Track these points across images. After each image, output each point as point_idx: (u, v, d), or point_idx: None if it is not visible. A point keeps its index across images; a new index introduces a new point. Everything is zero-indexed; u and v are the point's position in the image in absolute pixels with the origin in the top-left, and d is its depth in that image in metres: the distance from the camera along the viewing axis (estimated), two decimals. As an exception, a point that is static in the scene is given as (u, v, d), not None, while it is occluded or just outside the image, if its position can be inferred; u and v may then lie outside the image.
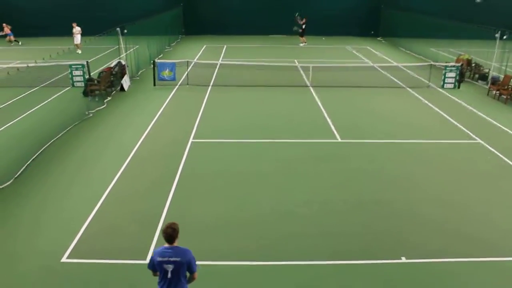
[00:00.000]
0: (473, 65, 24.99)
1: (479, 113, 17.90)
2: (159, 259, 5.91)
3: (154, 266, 6.00)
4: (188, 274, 6.08)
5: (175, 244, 6.00)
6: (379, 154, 13.63)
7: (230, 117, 16.99)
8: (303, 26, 35.11)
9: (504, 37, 21.79)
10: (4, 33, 33.07)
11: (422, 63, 25.56)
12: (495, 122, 16.67)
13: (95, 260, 8.30)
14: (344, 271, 8.20)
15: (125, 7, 37.02)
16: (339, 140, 14.67)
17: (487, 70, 23.55)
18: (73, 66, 20.91)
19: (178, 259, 5.92)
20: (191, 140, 14.35)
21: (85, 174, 11.96)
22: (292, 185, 11.50)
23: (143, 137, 14.57)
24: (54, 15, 37.08)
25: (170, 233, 5.95)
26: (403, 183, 11.65)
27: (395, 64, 26.82)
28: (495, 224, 9.82)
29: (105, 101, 18.62)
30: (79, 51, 29.83)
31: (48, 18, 37.14)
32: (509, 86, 20.23)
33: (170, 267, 5.91)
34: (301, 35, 35.65)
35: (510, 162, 13.01)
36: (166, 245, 5.97)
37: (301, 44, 35.53)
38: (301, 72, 24.47)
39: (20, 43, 33.80)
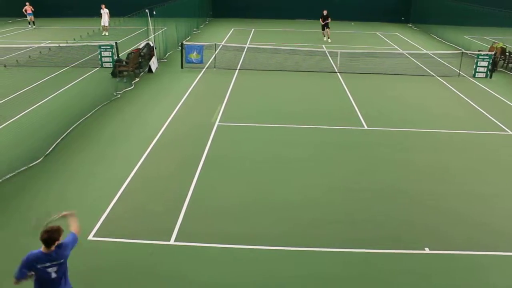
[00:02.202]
0: (507, 54, 24.26)
1: (511, 104, 17.44)
2: (39, 266, 5.39)
3: (28, 270, 5.39)
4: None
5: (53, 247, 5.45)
6: (406, 143, 13.44)
7: (256, 101, 16.97)
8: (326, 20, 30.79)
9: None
10: (27, 12, 33.05)
11: (454, 51, 24.97)
12: (527, 114, 16.22)
13: (120, 240, 8.46)
14: (367, 259, 8.17)
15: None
16: (366, 127, 14.51)
17: (522, 60, 22.85)
18: (102, 47, 21.16)
19: (61, 260, 5.53)
20: (217, 123, 14.41)
21: (112, 154, 12.16)
22: (318, 171, 11.46)
23: (169, 119, 14.69)
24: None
25: (46, 238, 5.41)
26: (430, 173, 11.48)
27: (425, 51, 26.28)
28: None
29: (133, 82, 18.81)
30: (107, 33, 30.08)
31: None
32: (544, 77, 19.62)
33: (53, 270, 5.50)
34: (324, 27, 31.10)
35: None
36: (43, 249, 5.45)
37: (325, 39, 30.76)
38: (329, 57, 24.19)
39: (34, 27, 33.17)
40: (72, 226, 5.97)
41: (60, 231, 5.51)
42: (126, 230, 8.76)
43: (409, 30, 37.27)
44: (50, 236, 5.41)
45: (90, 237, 8.48)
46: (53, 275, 5.50)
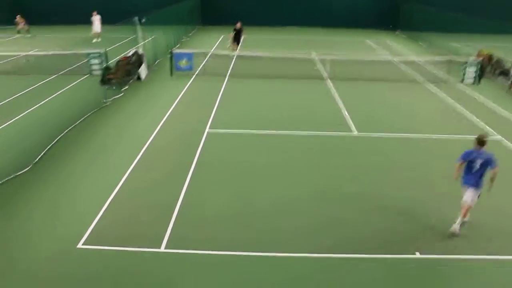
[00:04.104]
0: (494, 60, 24.52)
1: (500, 109, 17.61)
2: (473, 155, 8.89)
3: (466, 159, 8.97)
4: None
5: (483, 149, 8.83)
6: (396, 149, 13.51)
7: (246, 108, 16.98)
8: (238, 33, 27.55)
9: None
10: (20, 27, 32.85)
11: (441, 57, 25.20)
12: (515, 119, 16.39)
13: (110, 247, 8.38)
14: (357, 265, 8.16)
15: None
16: (356, 133, 14.57)
17: (508, 66, 23.10)
18: (91, 55, 21.05)
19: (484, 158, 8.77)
20: (207, 130, 14.38)
21: (102, 162, 12.07)
22: (306, 177, 11.47)
23: (159, 126, 14.64)
24: (67, 4, 37.34)
25: (480, 139, 8.93)
26: (420, 179, 11.54)
27: (413, 58, 26.49)
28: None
29: (122, 89, 18.73)
30: (99, 39, 29.99)
31: (62, 6, 37.33)
32: (531, 83, 19.86)
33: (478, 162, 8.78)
34: (233, 40, 27.59)
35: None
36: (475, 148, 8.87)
37: (232, 54, 25.90)
38: (319, 64, 24.28)
39: (30, 35, 32.91)
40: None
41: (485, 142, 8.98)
42: (116, 238, 8.68)
43: (397, 37, 37.57)
44: (482, 140, 8.92)
45: (80, 245, 8.39)
46: (477, 166, 8.82)
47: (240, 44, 27.69)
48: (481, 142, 8.90)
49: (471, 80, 21.64)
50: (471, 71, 21.68)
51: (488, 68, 24.04)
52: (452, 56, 24.17)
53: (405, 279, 7.83)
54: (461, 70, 21.89)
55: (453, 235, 8.90)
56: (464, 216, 9.00)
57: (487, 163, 8.79)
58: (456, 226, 8.93)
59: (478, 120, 16.12)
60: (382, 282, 7.74)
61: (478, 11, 34.37)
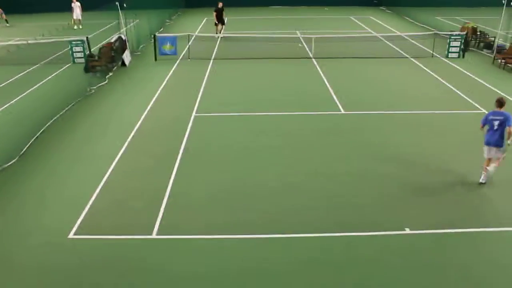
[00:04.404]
0: (478, 33, 24.60)
1: (484, 82, 17.71)
2: (491, 117, 9.82)
3: (486, 120, 9.93)
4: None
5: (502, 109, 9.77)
6: (383, 125, 13.56)
7: (232, 90, 16.89)
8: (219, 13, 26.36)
9: (511, 3, 21.38)
10: None
11: (426, 32, 25.20)
12: (500, 92, 16.47)
13: (101, 236, 8.36)
14: (349, 242, 8.24)
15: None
16: (343, 112, 14.58)
17: (492, 39, 23.20)
18: (73, 42, 20.74)
19: (501, 117, 9.62)
20: (194, 114, 14.30)
21: (89, 150, 11.97)
22: (296, 157, 11.49)
23: (145, 112, 14.53)
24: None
25: (500, 100, 9.93)
26: (408, 155, 11.61)
27: (398, 34, 26.46)
28: (503, 194, 9.81)
29: (106, 77, 18.51)
30: (80, 26, 29.54)
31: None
32: (515, 54, 19.98)
33: (496, 122, 9.68)
34: (219, 21, 26.57)
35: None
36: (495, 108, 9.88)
37: (217, 35, 25.91)
38: (304, 43, 24.16)
39: (8, 25, 32.03)
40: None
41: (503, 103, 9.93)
42: (107, 226, 8.66)
43: (382, 13, 37.45)
44: (500, 101, 9.89)
45: (71, 236, 8.36)
46: (495, 126, 9.72)
47: (224, 25, 27.25)
48: (500, 103, 9.86)
49: (456, 54, 21.70)
50: (455, 45, 21.72)
51: (473, 42, 24.15)
52: (436, 30, 24.19)
53: (396, 255, 7.92)
54: (446, 44, 21.93)
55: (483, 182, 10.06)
56: (497, 164, 10.01)
57: (505, 122, 9.56)
58: (484, 176, 10.04)
59: (463, 94, 16.21)
60: (375, 257, 7.83)
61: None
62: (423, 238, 8.35)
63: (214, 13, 26.37)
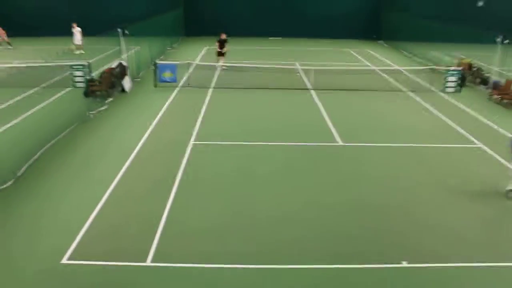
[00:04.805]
0: (474, 69, 24.95)
1: (480, 117, 17.89)
2: None
3: None
4: None
5: None
6: (380, 158, 13.61)
7: (231, 119, 16.98)
8: (224, 44, 25.81)
9: (506, 41, 21.80)
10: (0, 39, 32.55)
11: (424, 66, 25.55)
12: (496, 127, 16.65)
13: (95, 262, 8.27)
14: (345, 275, 8.18)
15: (125, 8, 36.92)
16: (340, 143, 14.65)
17: (488, 75, 23.52)
18: (74, 67, 20.89)
19: None
20: (192, 142, 14.33)
21: (86, 175, 11.94)
22: (293, 188, 11.49)
23: (144, 138, 14.55)
24: (48, 15, 37.01)
25: None
26: (404, 187, 11.63)
27: (396, 67, 26.82)
28: (495, 228, 9.80)
29: (106, 102, 18.61)
30: (82, 51, 29.83)
31: (42, 18, 36.94)
32: (511, 91, 20.23)
33: None
34: (220, 53, 25.91)
35: (510, 166, 12.97)
36: None
37: (219, 68, 25.47)
38: (302, 74, 24.42)
39: (10, 47, 32.37)
40: None
41: None
42: (101, 252, 8.57)
43: (380, 47, 38.01)
44: None
45: (64, 261, 8.27)
46: None
47: (224, 55, 27.12)
48: None
49: (453, 89, 21.96)
50: (452, 80, 22.01)
51: (469, 77, 24.47)
52: (434, 65, 24.53)
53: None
54: (443, 78, 22.22)
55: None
56: None
57: None
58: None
59: (460, 128, 16.34)
60: (369, 292, 7.77)
61: (459, 21, 34.96)
62: (421, 271, 8.29)
63: (217, 43, 25.85)
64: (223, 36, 25.73)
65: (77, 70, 20.74)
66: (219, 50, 25.82)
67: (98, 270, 8.09)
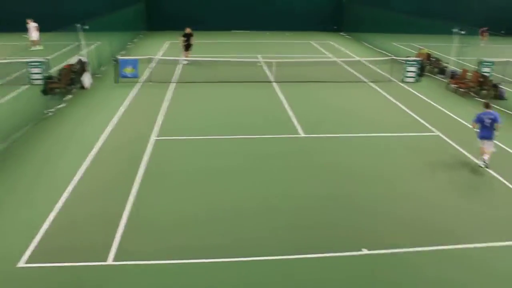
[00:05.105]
0: (432, 59, 25.59)
1: (438, 106, 18.37)
2: (483, 116, 12.08)
3: (479, 120, 12.17)
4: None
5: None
6: (342, 148, 13.81)
7: (193, 114, 16.88)
8: (189, 38, 25.48)
9: (462, 32, 22.40)
10: None
11: (384, 57, 26.01)
12: (453, 115, 17.14)
13: (54, 264, 8.09)
14: (309, 264, 8.28)
15: (83, 2, 36.07)
16: (303, 135, 14.78)
17: (446, 64, 24.15)
18: (31, 64, 20.32)
19: (492, 116, 11.99)
20: (154, 137, 14.20)
21: (46, 173, 11.67)
22: (257, 181, 11.54)
23: (105, 135, 14.32)
24: (3, 10, 35.86)
25: (487, 103, 12.62)
26: (365, 177, 11.85)
27: (357, 58, 27.19)
28: (451, 213, 10.11)
29: (65, 99, 18.19)
30: (39, 47, 29.03)
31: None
32: (466, 80, 20.84)
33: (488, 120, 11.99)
34: (186, 47, 25.62)
35: (466, 153, 13.41)
36: (484, 110, 12.26)
37: (184, 62, 25.43)
38: (265, 67, 24.48)
39: None
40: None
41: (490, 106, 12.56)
42: (61, 253, 8.40)
43: (342, 38, 38.44)
44: (488, 104, 12.52)
45: (21, 264, 8.05)
46: (488, 124, 12.03)
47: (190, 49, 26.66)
48: (487, 105, 12.48)
49: (412, 79, 22.45)
50: (411, 70, 22.50)
51: (428, 67, 25.08)
52: (393, 56, 25.00)
53: (354, 276, 8.01)
54: (403, 69, 22.69)
55: (485, 165, 12.19)
56: (487, 155, 12.16)
57: (495, 120, 11.97)
58: (483, 162, 12.17)
59: (419, 117, 16.74)
60: (332, 279, 7.89)
61: (418, 12, 35.81)
62: (380, 258, 8.49)
63: (182, 38, 25.53)
64: (188, 30, 25.45)
65: (35, 67, 20.20)
66: (185, 44, 25.53)
67: (57, 272, 7.91)
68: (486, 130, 12.12)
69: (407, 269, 8.24)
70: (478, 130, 12.30)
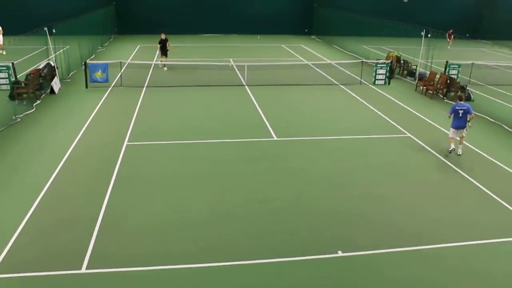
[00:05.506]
0: (402, 62, 26.09)
1: (408, 108, 18.73)
2: (457, 108, 13.37)
3: (453, 110, 13.50)
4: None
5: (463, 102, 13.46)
6: (314, 151, 13.92)
7: (165, 118, 16.75)
8: (166, 44, 25.22)
9: (429, 35, 22.93)
10: None
11: (355, 60, 26.37)
12: (422, 116, 17.51)
13: (25, 274, 7.89)
14: (284, 268, 8.31)
15: (50, 5, 35.43)
16: (275, 138, 14.85)
17: (414, 67, 24.67)
18: (-4, 68, 19.80)
19: (465, 108, 13.27)
20: (126, 143, 14.02)
21: (15, 181, 11.37)
22: (230, 185, 11.52)
23: (76, 140, 14.07)
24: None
25: (461, 96, 13.86)
26: (337, 179, 11.96)
27: (328, 61, 27.49)
28: (423, 214, 10.30)
29: (34, 104, 17.80)
30: (4, 52, 28.31)
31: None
32: (434, 82, 21.32)
33: (461, 111, 13.30)
34: (163, 53, 25.34)
35: (436, 154, 13.71)
36: (457, 102, 13.52)
37: (165, 68, 25.42)
38: (237, 71, 24.50)
39: None
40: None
41: (463, 98, 13.96)
42: (32, 262, 8.20)
43: (312, 41, 38.82)
44: (461, 97, 13.77)
45: (-9, 275, 7.85)
46: (460, 114, 13.31)
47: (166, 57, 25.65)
48: (460, 98, 13.75)
49: (382, 81, 22.83)
50: (381, 73, 22.88)
51: (397, 69, 25.56)
52: (364, 58, 25.39)
53: (331, 278, 8.08)
54: (373, 72, 23.06)
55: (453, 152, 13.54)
56: (460, 143, 13.67)
57: (467, 111, 13.29)
58: (458, 150, 13.63)
59: (389, 119, 17.03)
60: (309, 284, 7.94)
61: (388, 15, 36.45)
62: (355, 259, 8.59)
63: (158, 45, 25.21)
64: (163, 36, 25.24)
65: (0, 71, 19.68)
66: (161, 50, 25.23)
67: (28, 282, 7.71)
68: (460, 120, 13.43)
69: (381, 269, 8.36)
70: (452, 120, 13.70)
